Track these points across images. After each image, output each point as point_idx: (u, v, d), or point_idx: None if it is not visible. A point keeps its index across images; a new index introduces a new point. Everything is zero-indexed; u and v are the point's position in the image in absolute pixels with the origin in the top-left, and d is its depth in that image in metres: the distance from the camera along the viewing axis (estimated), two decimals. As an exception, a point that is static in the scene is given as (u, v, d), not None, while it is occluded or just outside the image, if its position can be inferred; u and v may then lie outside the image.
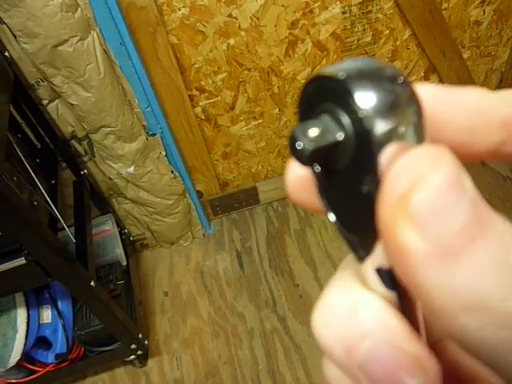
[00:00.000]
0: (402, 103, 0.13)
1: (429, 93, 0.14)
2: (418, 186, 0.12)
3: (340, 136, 0.13)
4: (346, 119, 0.13)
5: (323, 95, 0.14)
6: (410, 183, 0.12)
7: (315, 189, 0.16)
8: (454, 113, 0.14)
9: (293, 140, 0.13)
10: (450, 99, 0.15)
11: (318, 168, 0.15)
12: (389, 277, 0.14)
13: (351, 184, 0.14)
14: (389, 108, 0.12)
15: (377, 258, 0.14)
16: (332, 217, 0.15)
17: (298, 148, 0.13)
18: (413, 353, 0.13)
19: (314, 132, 0.13)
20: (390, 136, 0.12)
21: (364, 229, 0.14)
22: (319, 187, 0.15)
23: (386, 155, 0.13)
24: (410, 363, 0.13)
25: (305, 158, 0.13)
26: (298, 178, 0.17)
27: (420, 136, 0.13)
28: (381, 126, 0.12)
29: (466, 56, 1.55)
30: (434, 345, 0.18)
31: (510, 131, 0.14)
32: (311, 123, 0.14)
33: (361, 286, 0.15)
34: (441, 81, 1.59)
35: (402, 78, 0.13)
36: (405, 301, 0.14)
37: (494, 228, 0.12)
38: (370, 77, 0.13)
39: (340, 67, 0.13)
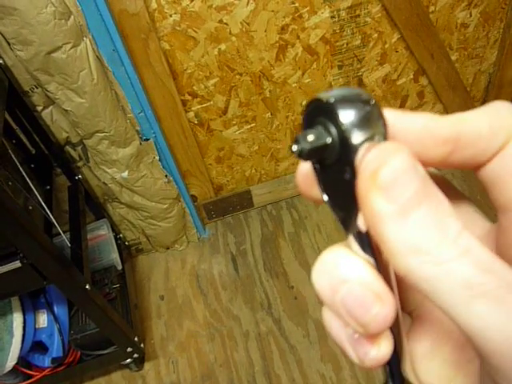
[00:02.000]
0: (372, 118, 0.18)
1: (391, 115, 0.19)
2: (383, 166, 0.17)
3: (329, 140, 0.19)
4: (333, 129, 0.19)
5: (319, 112, 0.19)
6: (377, 165, 0.17)
7: (315, 179, 0.21)
8: (407, 132, 0.19)
9: (296, 142, 0.19)
10: (405, 122, 0.20)
11: (317, 164, 0.21)
12: (366, 243, 0.19)
13: (338, 174, 0.19)
14: (361, 122, 0.18)
15: (357, 229, 0.19)
16: (325, 198, 0.21)
17: (298, 148, 0.19)
18: (375, 290, 0.18)
19: (310, 137, 0.19)
20: (364, 140, 0.18)
21: (348, 206, 0.19)
22: (317, 177, 0.21)
23: (360, 152, 0.18)
24: (374, 297, 0.18)
25: (304, 156, 0.19)
26: (304, 173, 0.22)
27: (384, 137, 0.19)
28: (356, 134, 0.18)
29: (454, 58, 1.58)
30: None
31: (452, 146, 0.19)
32: (309, 131, 0.19)
33: (346, 249, 0.20)
34: (430, 82, 1.61)
35: (373, 100, 0.19)
36: (379, 261, 0.19)
37: (435, 198, 0.17)
38: (350, 101, 0.19)
39: (331, 94, 0.19)
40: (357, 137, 0.18)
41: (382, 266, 0.19)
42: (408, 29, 1.43)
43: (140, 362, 1.43)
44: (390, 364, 0.21)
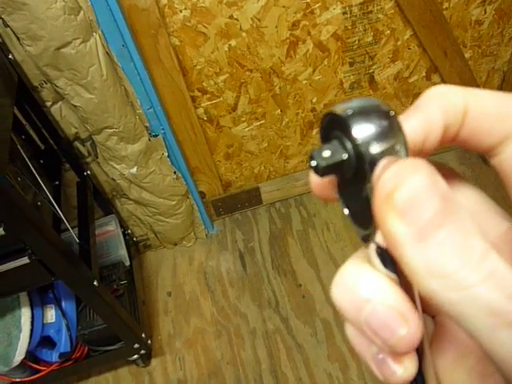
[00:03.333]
0: (389, 132, 0.18)
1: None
2: (400, 186, 0.16)
3: (345, 156, 0.18)
4: (348, 144, 0.18)
5: (334, 125, 0.19)
6: (394, 185, 0.16)
7: (335, 190, 0.21)
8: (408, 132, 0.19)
9: (311, 159, 0.19)
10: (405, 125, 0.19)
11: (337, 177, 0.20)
12: (388, 260, 0.18)
13: (355, 189, 0.19)
14: (378, 136, 0.17)
15: (377, 244, 0.18)
16: (346, 211, 0.20)
17: (313, 165, 0.18)
18: (400, 310, 0.18)
19: (326, 153, 0.18)
20: (381, 155, 0.17)
21: (367, 222, 0.19)
22: (338, 189, 0.20)
23: (378, 169, 0.17)
24: (400, 318, 0.18)
25: (320, 172, 0.19)
26: (320, 182, 0.21)
27: (405, 152, 0.18)
28: (372, 150, 0.17)
29: (467, 56, 1.55)
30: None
31: (461, 117, 0.19)
32: (325, 147, 0.19)
33: (367, 265, 0.19)
34: (443, 80, 1.59)
35: (392, 112, 0.18)
36: (401, 276, 0.18)
37: (457, 217, 0.16)
38: (366, 114, 0.18)
39: (347, 106, 0.18)
40: (373, 152, 0.17)
41: (404, 281, 0.19)
42: (421, 25, 1.41)
43: (147, 358, 1.43)
44: (415, 380, 0.20)
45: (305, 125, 1.57)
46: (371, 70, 1.50)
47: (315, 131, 1.61)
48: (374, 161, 0.17)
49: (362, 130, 0.18)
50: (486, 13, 1.46)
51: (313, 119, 1.56)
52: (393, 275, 0.19)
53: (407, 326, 0.18)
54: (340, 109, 0.18)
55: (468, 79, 1.60)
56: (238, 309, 1.52)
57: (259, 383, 1.36)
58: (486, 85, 1.68)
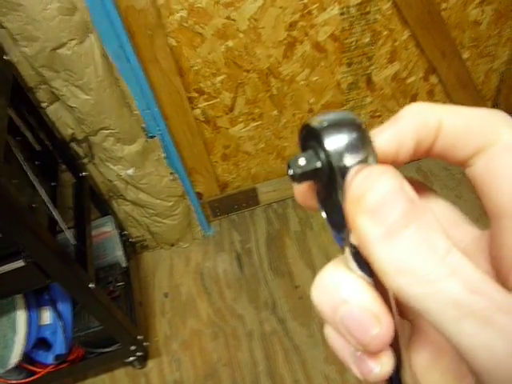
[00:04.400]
0: (358, 143, 0.19)
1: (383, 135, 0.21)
2: (369, 190, 0.17)
3: (318, 164, 0.20)
4: (322, 154, 0.20)
5: (311, 137, 0.20)
6: (363, 190, 0.18)
7: (315, 195, 0.22)
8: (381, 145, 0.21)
9: (288, 167, 0.20)
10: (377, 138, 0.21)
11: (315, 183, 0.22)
12: (363, 262, 0.19)
13: (330, 195, 0.20)
14: (347, 147, 0.19)
15: (352, 246, 0.20)
16: (324, 215, 0.21)
17: (290, 173, 0.20)
18: (374, 311, 0.19)
19: (301, 161, 0.20)
20: (351, 164, 0.19)
21: (341, 226, 0.20)
22: (317, 194, 0.22)
23: (350, 174, 0.19)
24: (373, 318, 0.19)
25: (296, 179, 0.20)
26: (300, 189, 0.23)
27: (374, 162, 0.19)
28: (342, 159, 0.19)
29: (465, 56, 1.55)
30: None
31: (435, 132, 0.20)
32: (301, 155, 0.20)
33: (344, 268, 0.20)
34: (440, 81, 1.59)
35: (363, 125, 0.20)
36: (375, 278, 0.20)
37: (423, 218, 0.17)
38: (339, 126, 0.19)
39: (322, 119, 0.20)
40: (343, 163, 0.19)
41: (378, 283, 0.20)
42: (419, 26, 1.41)
43: (143, 360, 1.42)
44: (391, 379, 0.21)
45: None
46: (369, 71, 1.50)
47: (313, 132, 1.60)
48: (343, 170, 0.19)
49: (334, 142, 0.19)
50: (483, 13, 1.45)
51: (310, 120, 1.56)
52: (367, 278, 0.20)
53: (379, 326, 0.19)
54: (316, 121, 0.20)
55: (466, 80, 1.60)
56: (235, 310, 1.51)
57: (256, 385, 1.36)
58: (483, 85, 1.68)
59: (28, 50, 1.06)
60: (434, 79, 1.59)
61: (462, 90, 1.61)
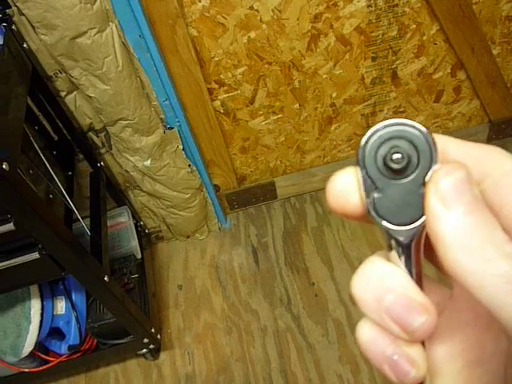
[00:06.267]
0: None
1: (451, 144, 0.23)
2: (446, 176, 0.20)
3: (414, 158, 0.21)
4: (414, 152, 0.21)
5: (405, 136, 0.22)
6: (442, 176, 0.20)
7: (362, 190, 0.22)
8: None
9: (391, 160, 0.21)
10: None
11: (371, 180, 0.22)
12: (408, 256, 0.21)
13: (413, 186, 0.21)
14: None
15: (401, 242, 0.21)
16: (374, 213, 0.22)
17: (395, 165, 0.21)
18: (420, 301, 0.20)
19: (396, 156, 0.21)
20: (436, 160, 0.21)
21: (402, 216, 0.21)
22: (366, 189, 0.22)
23: (433, 169, 0.21)
24: (419, 307, 0.20)
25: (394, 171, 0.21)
26: (339, 189, 0.23)
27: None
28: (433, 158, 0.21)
29: (495, 52, 1.49)
30: None
31: None
32: (396, 150, 0.21)
33: (388, 262, 0.22)
34: (468, 77, 1.53)
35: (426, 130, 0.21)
36: (417, 275, 0.21)
37: (486, 212, 0.19)
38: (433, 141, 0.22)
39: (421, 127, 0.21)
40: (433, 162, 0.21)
41: (418, 281, 0.21)
42: (449, 20, 1.35)
43: (156, 352, 1.42)
44: None
45: (323, 120, 1.53)
46: (394, 66, 1.45)
47: (334, 127, 1.56)
48: (432, 164, 0.21)
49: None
50: (517, 8, 1.39)
51: (332, 114, 1.52)
52: (408, 273, 0.21)
53: (427, 314, 0.20)
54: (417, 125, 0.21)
55: (495, 76, 1.54)
56: (249, 305, 1.50)
57: (268, 382, 1.35)
58: (513, 83, 1.62)
59: (47, 38, 1.04)
60: (461, 75, 1.53)
61: (491, 87, 1.56)
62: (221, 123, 1.45)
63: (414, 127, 0.21)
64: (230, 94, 1.39)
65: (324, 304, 1.45)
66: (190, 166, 1.42)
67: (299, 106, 1.47)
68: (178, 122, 1.33)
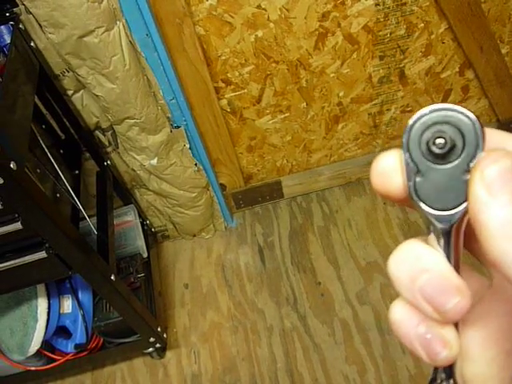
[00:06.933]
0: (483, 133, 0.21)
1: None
2: (492, 164, 0.19)
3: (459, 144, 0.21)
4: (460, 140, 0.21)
5: (451, 121, 0.21)
6: (488, 163, 0.19)
7: (404, 173, 0.22)
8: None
9: (433, 143, 0.21)
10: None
11: (415, 164, 0.22)
12: (448, 241, 0.21)
13: (457, 172, 0.21)
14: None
15: (441, 228, 0.21)
16: (415, 196, 0.22)
17: (438, 148, 0.21)
18: (455, 283, 0.20)
19: (440, 142, 0.21)
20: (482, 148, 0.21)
21: (446, 201, 0.21)
22: (408, 172, 0.22)
23: (479, 156, 0.20)
24: (453, 289, 0.20)
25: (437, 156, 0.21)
26: (384, 168, 0.23)
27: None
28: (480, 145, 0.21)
29: (504, 51, 1.48)
30: None
31: None
32: (440, 136, 0.21)
33: (426, 244, 0.22)
34: (476, 76, 1.52)
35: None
36: (456, 260, 0.22)
37: None
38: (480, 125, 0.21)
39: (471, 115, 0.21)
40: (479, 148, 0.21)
41: (456, 266, 0.22)
42: (457, 19, 1.34)
43: (162, 351, 1.42)
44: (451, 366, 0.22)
45: (330, 119, 1.53)
46: (402, 65, 1.44)
47: (341, 126, 1.56)
48: (478, 151, 0.21)
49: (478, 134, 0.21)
50: (526, 7, 1.38)
51: (339, 113, 1.52)
52: (444, 253, 0.21)
53: (461, 296, 0.20)
54: (468, 112, 0.21)
55: (504, 76, 1.53)
56: (256, 304, 1.50)
57: (274, 382, 1.34)
58: (521, 82, 1.61)
59: (55, 36, 1.04)
60: (469, 74, 1.52)
61: (499, 86, 1.54)
62: (227, 122, 1.45)
63: (462, 113, 0.21)
64: (236, 93, 1.38)
65: (330, 304, 1.45)
66: (196, 164, 1.42)
67: (306, 105, 1.46)
68: (185, 120, 1.33)
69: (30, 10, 1.00)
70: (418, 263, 0.21)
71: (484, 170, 0.19)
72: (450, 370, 0.23)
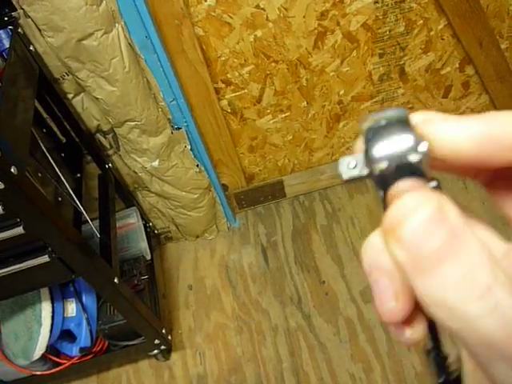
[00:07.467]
0: (407, 150, 0.19)
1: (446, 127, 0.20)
2: (404, 220, 0.17)
3: (365, 172, 0.21)
4: (369, 162, 0.20)
5: (365, 137, 0.20)
6: (399, 218, 0.17)
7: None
8: (466, 139, 0.19)
9: (339, 166, 0.21)
10: (462, 130, 0.20)
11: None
12: None
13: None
14: (391, 158, 0.19)
15: None
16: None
17: (339, 173, 0.21)
18: (396, 288, 0.20)
19: (352, 164, 0.21)
20: (398, 173, 0.19)
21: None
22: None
23: (395, 187, 0.19)
24: (393, 294, 0.20)
25: (344, 181, 0.21)
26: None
27: (425, 171, 0.19)
28: (388, 171, 0.19)
29: (503, 47, 1.48)
30: None
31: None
32: (352, 157, 0.21)
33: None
34: (476, 72, 1.52)
35: (416, 131, 0.19)
36: None
37: (464, 249, 0.16)
38: (387, 133, 0.20)
39: (379, 117, 0.20)
40: (389, 174, 0.19)
41: None
42: (456, 15, 1.34)
43: (167, 353, 1.42)
44: (429, 352, 0.22)
45: (331, 117, 1.52)
46: (402, 62, 1.44)
47: (342, 124, 1.55)
48: (390, 182, 0.19)
49: (380, 151, 0.19)
50: (525, 1, 1.38)
51: (339, 112, 1.51)
52: None
53: (394, 302, 0.19)
54: (370, 121, 0.20)
55: (504, 71, 1.52)
56: (260, 305, 1.49)
57: (280, 381, 1.34)
58: (522, 77, 1.60)
59: (54, 40, 1.04)
60: (469, 70, 1.52)
61: (500, 81, 1.54)
62: (228, 122, 1.45)
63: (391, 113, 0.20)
64: (237, 93, 1.38)
65: (335, 302, 1.45)
66: (198, 165, 1.41)
67: (307, 103, 1.46)
68: (186, 122, 1.33)
69: (29, 14, 1.00)
70: (377, 258, 0.20)
71: (397, 226, 0.18)
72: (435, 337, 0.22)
